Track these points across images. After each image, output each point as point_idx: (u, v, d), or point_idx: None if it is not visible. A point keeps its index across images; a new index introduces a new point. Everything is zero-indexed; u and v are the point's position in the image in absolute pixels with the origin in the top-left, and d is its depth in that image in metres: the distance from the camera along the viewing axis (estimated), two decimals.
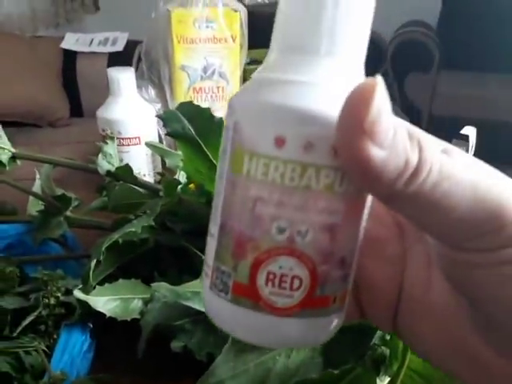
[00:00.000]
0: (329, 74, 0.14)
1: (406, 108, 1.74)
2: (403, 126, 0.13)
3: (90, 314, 0.32)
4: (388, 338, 0.27)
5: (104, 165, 0.40)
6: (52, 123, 1.46)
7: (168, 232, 0.37)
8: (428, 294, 0.16)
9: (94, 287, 0.32)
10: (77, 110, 1.53)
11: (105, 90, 0.56)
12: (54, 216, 0.40)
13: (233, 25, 0.59)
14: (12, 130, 0.42)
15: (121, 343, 0.33)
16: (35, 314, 0.32)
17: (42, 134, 1.39)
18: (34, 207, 0.43)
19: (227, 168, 0.15)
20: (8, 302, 0.32)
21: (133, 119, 0.54)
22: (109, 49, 1.50)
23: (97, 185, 0.43)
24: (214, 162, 0.36)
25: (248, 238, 0.14)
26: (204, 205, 0.36)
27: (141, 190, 0.40)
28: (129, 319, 0.32)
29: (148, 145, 0.46)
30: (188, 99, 0.59)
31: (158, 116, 0.38)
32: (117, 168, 0.40)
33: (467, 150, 0.50)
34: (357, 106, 0.12)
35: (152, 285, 0.32)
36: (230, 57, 0.60)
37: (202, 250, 0.16)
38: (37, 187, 0.44)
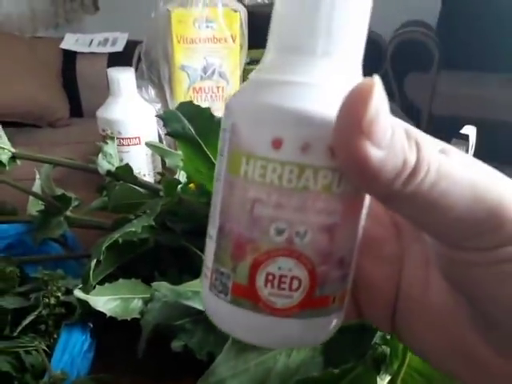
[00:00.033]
0: (326, 74, 0.14)
1: (405, 108, 1.74)
2: (401, 126, 0.13)
3: (90, 314, 0.32)
4: (388, 337, 0.27)
5: (104, 165, 0.40)
6: (52, 123, 1.46)
7: (168, 232, 0.37)
8: (426, 293, 0.16)
9: (94, 287, 0.32)
10: (77, 110, 1.53)
11: (105, 91, 0.56)
12: (54, 216, 0.40)
13: (233, 25, 0.59)
14: (12, 130, 0.42)
15: (121, 343, 0.33)
16: (35, 313, 0.32)
17: (41, 134, 1.39)
18: (34, 207, 0.43)
19: (225, 169, 0.15)
20: (8, 301, 0.32)
21: (133, 119, 0.54)
22: (108, 49, 1.50)
23: (97, 185, 0.43)
24: (214, 161, 0.36)
25: (247, 240, 0.14)
26: (204, 204, 0.36)
27: (141, 189, 0.40)
28: (129, 319, 0.32)
29: (148, 145, 0.46)
30: (188, 99, 0.59)
31: (158, 116, 0.38)
32: (117, 168, 0.40)
33: (467, 150, 0.50)
34: (355, 106, 0.12)
35: (152, 284, 0.32)
36: (230, 57, 0.60)
37: (202, 250, 0.16)
38: (37, 187, 0.44)
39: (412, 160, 0.12)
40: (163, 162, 0.50)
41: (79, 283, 0.33)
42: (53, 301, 0.32)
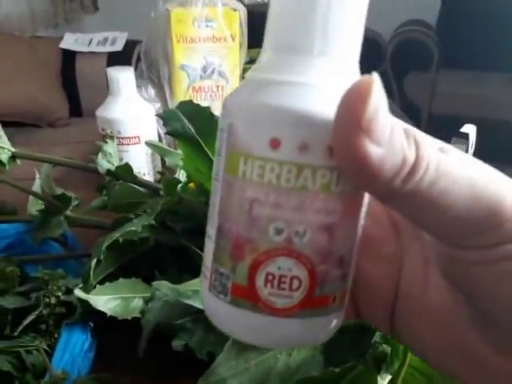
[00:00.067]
0: (323, 74, 0.14)
1: (405, 107, 1.74)
2: (400, 125, 0.13)
3: (90, 313, 0.32)
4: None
5: (104, 164, 0.40)
6: (51, 123, 1.46)
7: (168, 231, 0.37)
8: (425, 292, 0.16)
9: (95, 286, 0.32)
10: (76, 109, 1.53)
11: (104, 90, 0.56)
12: (54, 215, 0.40)
13: (232, 24, 0.59)
14: (11, 130, 0.42)
15: (122, 342, 0.33)
16: (36, 313, 0.32)
17: (41, 133, 1.39)
18: (34, 207, 0.43)
19: (222, 170, 0.15)
20: (9, 301, 0.32)
21: (132, 118, 0.53)
22: (108, 49, 1.50)
23: (97, 184, 0.43)
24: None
25: (246, 240, 0.14)
26: (204, 204, 0.36)
27: (141, 189, 0.40)
28: (129, 318, 0.32)
29: (148, 144, 0.46)
30: (187, 98, 0.59)
31: (158, 115, 0.38)
32: (117, 167, 0.40)
33: (467, 148, 0.50)
34: (353, 104, 0.12)
35: (153, 283, 0.32)
36: (230, 56, 0.60)
37: (203, 249, 0.16)
38: (37, 187, 0.44)
39: (411, 158, 0.12)
40: (163, 162, 0.50)
41: (79, 283, 0.33)
42: (53, 300, 0.32)
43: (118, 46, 1.49)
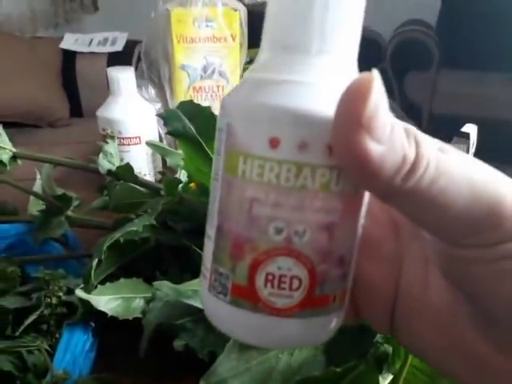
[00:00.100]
0: (321, 72, 0.14)
1: (406, 107, 1.74)
2: (399, 123, 0.13)
3: (91, 314, 0.32)
4: None
5: (105, 164, 0.40)
6: (52, 123, 1.46)
7: (169, 231, 0.37)
8: (426, 292, 0.16)
9: (96, 286, 0.32)
10: (76, 110, 1.53)
11: (104, 90, 0.56)
12: (54, 216, 0.40)
13: (232, 24, 0.59)
14: (12, 130, 0.42)
15: (123, 342, 0.33)
16: (37, 313, 0.32)
17: (41, 134, 1.39)
18: (35, 207, 0.43)
19: (222, 169, 0.15)
20: (10, 301, 0.32)
21: (133, 119, 0.53)
22: (108, 49, 1.50)
23: (97, 184, 0.43)
24: None
25: (245, 240, 0.14)
26: (205, 204, 0.36)
27: (142, 189, 0.40)
28: (131, 318, 0.32)
29: (148, 144, 0.46)
30: (188, 98, 0.59)
31: (159, 115, 0.38)
32: (117, 167, 0.40)
33: (468, 148, 0.50)
34: (354, 101, 0.12)
35: (154, 283, 0.32)
36: (230, 56, 0.60)
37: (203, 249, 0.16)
38: (37, 187, 0.44)
39: (411, 156, 0.12)
40: (164, 162, 0.50)
41: (80, 283, 0.33)
42: (54, 300, 0.32)
43: (119, 46, 1.49)
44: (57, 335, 0.32)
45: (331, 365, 0.25)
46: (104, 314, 0.31)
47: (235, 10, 0.59)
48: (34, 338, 0.31)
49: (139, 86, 0.59)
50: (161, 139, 0.60)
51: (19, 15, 1.80)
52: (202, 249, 0.16)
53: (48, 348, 0.31)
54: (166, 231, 0.37)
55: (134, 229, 0.33)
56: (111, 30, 1.55)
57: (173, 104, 0.61)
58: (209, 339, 0.30)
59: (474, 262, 0.14)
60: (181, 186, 0.38)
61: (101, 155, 0.40)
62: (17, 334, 0.31)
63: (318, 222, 0.14)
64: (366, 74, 0.12)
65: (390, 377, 0.27)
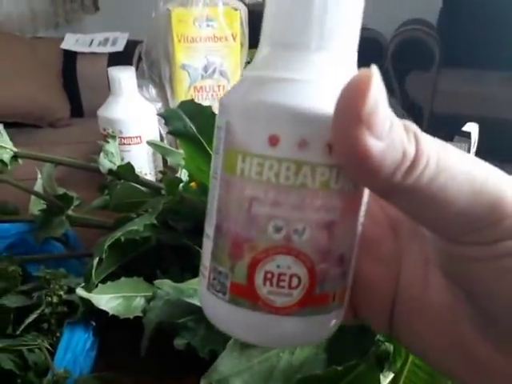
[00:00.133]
0: (320, 70, 0.14)
1: (407, 106, 1.74)
2: (399, 119, 0.13)
3: (92, 312, 0.32)
4: None
5: (106, 163, 0.40)
6: (52, 123, 1.46)
7: (170, 230, 0.37)
8: (426, 292, 0.16)
9: (97, 285, 0.32)
10: (77, 110, 1.53)
11: (105, 91, 0.56)
12: (55, 215, 0.40)
13: (233, 23, 0.59)
14: (12, 130, 0.42)
15: (123, 341, 0.33)
16: (38, 312, 0.32)
17: (42, 134, 1.39)
18: (36, 206, 0.43)
19: (220, 168, 0.15)
20: (11, 300, 0.32)
21: (134, 118, 0.54)
22: (109, 49, 1.50)
23: (98, 184, 0.43)
24: None
25: (244, 238, 0.14)
26: (205, 203, 0.36)
27: (143, 188, 0.40)
28: (131, 317, 0.32)
29: (149, 143, 0.46)
30: (189, 98, 0.59)
31: (160, 114, 0.38)
32: (118, 167, 0.40)
33: (469, 147, 0.50)
34: (353, 97, 0.12)
35: (155, 282, 0.32)
36: (231, 55, 0.60)
37: None
38: (38, 186, 0.44)
39: (411, 152, 0.12)
40: (164, 161, 0.50)
41: (81, 282, 0.33)
42: (55, 299, 0.32)
43: (119, 47, 1.49)
44: (58, 334, 0.32)
45: (332, 363, 0.25)
46: (105, 312, 0.31)
47: (236, 10, 0.59)
48: (34, 337, 0.31)
49: (140, 86, 0.59)
50: (162, 139, 0.60)
51: (19, 15, 1.80)
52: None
53: (49, 347, 0.31)
54: (167, 230, 0.37)
55: (135, 228, 0.33)
56: (112, 30, 1.55)
57: (173, 104, 0.61)
58: (210, 338, 0.30)
59: (474, 259, 0.14)
60: (181, 185, 0.38)
61: (102, 154, 0.40)
62: (18, 332, 0.31)
63: (318, 221, 0.14)
64: (365, 70, 0.12)
65: (391, 375, 0.27)
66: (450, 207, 0.13)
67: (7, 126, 0.44)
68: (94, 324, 0.33)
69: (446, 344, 0.16)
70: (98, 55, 1.50)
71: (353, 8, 0.14)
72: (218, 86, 0.61)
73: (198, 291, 0.17)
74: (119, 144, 0.51)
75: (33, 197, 0.45)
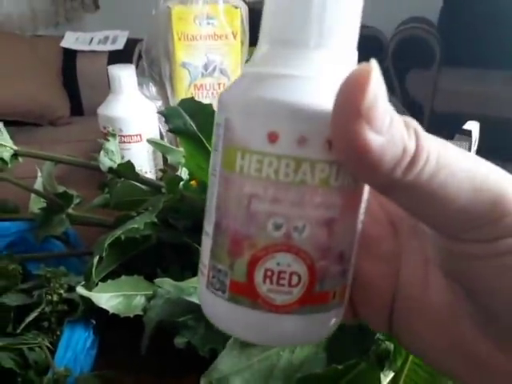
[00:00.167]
0: (320, 66, 0.14)
1: (407, 104, 1.74)
2: (398, 115, 0.13)
3: (92, 311, 0.32)
4: None
5: (106, 162, 0.40)
6: (52, 122, 1.46)
7: (170, 228, 0.37)
8: (426, 291, 0.16)
9: (97, 284, 0.32)
10: (77, 108, 1.53)
11: (105, 89, 0.56)
12: (55, 213, 0.40)
13: (233, 21, 0.59)
14: (12, 129, 0.42)
15: (124, 340, 0.33)
16: (38, 310, 0.32)
17: (42, 132, 1.39)
18: (36, 205, 0.43)
19: (219, 165, 0.15)
20: (11, 298, 0.32)
21: (134, 116, 0.53)
22: (109, 47, 1.49)
23: (99, 182, 0.43)
24: None
25: (244, 236, 0.14)
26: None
27: (143, 186, 0.40)
28: (132, 316, 0.32)
29: (150, 142, 0.46)
30: (189, 96, 0.59)
31: (160, 112, 0.38)
32: (119, 165, 0.40)
33: (470, 146, 0.50)
34: (352, 92, 0.12)
35: (155, 281, 0.32)
36: (231, 53, 0.60)
37: None
38: (38, 185, 0.44)
39: (411, 148, 0.12)
40: (165, 159, 0.50)
41: (81, 280, 0.33)
42: (55, 298, 0.32)
43: (119, 45, 1.49)
44: (58, 332, 0.32)
45: (333, 362, 0.25)
46: (105, 311, 0.31)
47: (236, 8, 0.59)
48: (35, 336, 0.31)
49: (140, 84, 0.59)
50: (162, 137, 0.60)
51: (20, 14, 1.80)
52: None
53: (49, 345, 0.31)
54: (167, 229, 0.37)
55: (135, 226, 0.33)
56: (112, 28, 1.54)
57: (174, 102, 0.61)
58: (210, 336, 0.30)
59: (474, 257, 0.13)
60: (182, 183, 0.38)
61: (102, 153, 0.40)
62: (18, 331, 0.31)
63: (318, 218, 0.14)
64: (364, 65, 0.12)
65: (392, 374, 0.27)
66: (450, 204, 0.13)
67: (7, 124, 0.44)
68: (95, 322, 0.33)
69: (446, 344, 0.15)
70: (98, 53, 1.50)
71: (352, 6, 0.14)
72: (219, 84, 0.61)
73: (197, 290, 0.17)
74: (119, 142, 0.51)
75: (33, 195, 0.45)
